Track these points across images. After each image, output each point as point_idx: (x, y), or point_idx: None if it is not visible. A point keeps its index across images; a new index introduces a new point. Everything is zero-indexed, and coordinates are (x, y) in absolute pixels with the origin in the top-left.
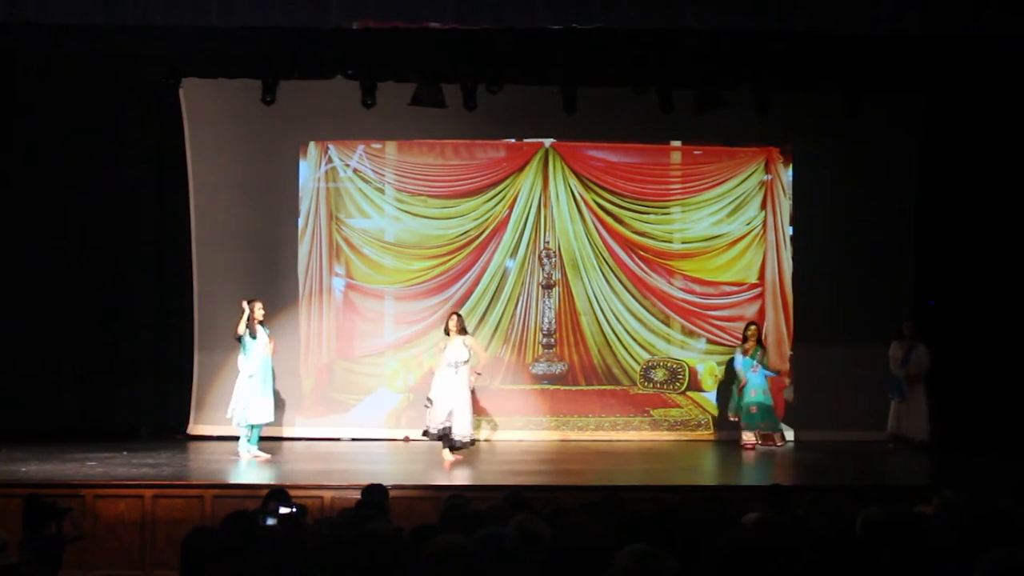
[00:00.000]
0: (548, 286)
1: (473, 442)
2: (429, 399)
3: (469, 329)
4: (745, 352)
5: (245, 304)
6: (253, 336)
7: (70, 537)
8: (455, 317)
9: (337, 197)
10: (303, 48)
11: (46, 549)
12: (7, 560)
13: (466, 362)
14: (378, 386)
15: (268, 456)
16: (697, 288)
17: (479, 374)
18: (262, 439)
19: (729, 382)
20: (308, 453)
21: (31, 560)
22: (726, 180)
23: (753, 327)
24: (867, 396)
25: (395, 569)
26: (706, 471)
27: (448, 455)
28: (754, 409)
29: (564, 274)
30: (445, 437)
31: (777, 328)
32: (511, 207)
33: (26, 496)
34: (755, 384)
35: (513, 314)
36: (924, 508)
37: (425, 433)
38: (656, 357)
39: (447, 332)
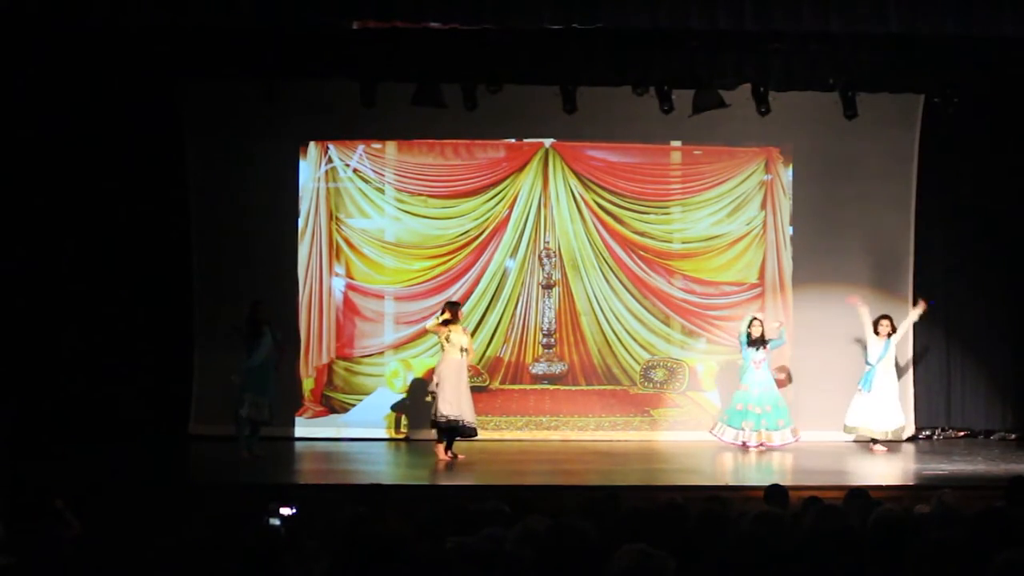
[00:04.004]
0: (548, 286)
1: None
2: (437, 385)
3: (470, 328)
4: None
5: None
6: (259, 336)
7: (68, 536)
8: (458, 306)
9: (337, 197)
10: (303, 48)
11: (40, 551)
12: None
13: (465, 350)
14: (378, 386)
15: (262, 455)
16: (697, 288)
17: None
18: (262, 439)
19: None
20: (308, 453)
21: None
22: (726, 180)
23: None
24: None
25: (395, 570)
26: (706, 471)
27: (444, 452)
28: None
29: (564, 274)
30: (453, 428)
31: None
32: (511, 207)
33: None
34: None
35: (513, 314)
36: (924, 508)
37: (434, 424)
38: (656, 357)
39: (451, 320)
